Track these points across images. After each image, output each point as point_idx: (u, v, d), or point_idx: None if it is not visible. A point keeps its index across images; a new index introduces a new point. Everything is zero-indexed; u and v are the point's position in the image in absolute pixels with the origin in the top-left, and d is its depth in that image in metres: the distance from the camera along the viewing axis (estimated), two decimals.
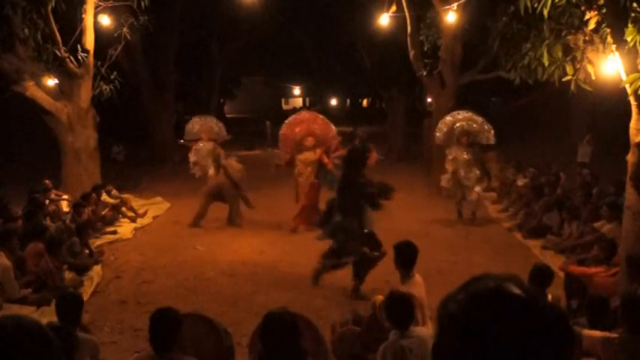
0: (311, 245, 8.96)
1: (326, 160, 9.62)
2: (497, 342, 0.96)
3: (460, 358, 1.00)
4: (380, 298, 4.60)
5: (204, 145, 11.36)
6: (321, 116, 10.21)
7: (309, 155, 9.65)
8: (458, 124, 10.13)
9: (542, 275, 4.57)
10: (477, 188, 9.93)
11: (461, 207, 10.30)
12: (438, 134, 10.45)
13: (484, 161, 10.27)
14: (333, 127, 9.99)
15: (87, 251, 8.13)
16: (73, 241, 7.90)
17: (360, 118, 33.69)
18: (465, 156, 9.86)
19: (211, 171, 10.96)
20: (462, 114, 10.37)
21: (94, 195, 10.06)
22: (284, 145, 9.89)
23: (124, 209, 10.56)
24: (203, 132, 11.56)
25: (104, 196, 10.54)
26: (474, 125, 10.11)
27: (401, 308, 3.76)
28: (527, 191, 10.64)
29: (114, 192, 11.17)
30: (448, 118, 10.43)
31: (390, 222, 10.39)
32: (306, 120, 9.99)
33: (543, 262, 6.42)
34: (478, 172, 9.92)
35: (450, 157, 10.03)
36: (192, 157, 11.55)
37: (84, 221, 8.70)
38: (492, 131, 10.08)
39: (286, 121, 10.03)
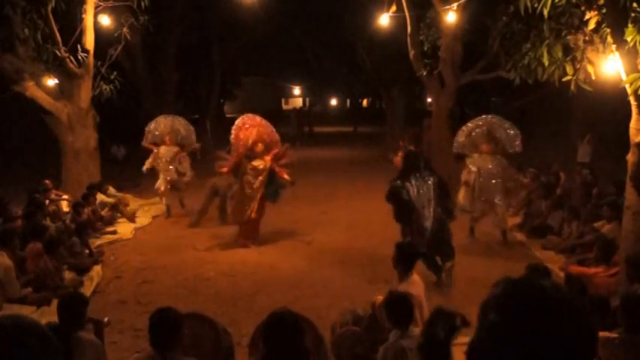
0: (311, 246, 8.98)
1: (277, 168, 8.79)
2: (540, 344, 0.97)
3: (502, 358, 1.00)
4: (380, 298, 4.60)
5: (165, 150, 10.59)
6: (264, 120, 9.18)
7: (259, 163, 8.72)
8: (477, 130, 8.96)
9: (540, 275, 4.57)
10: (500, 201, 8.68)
11: (475, 224, 9.12)
12: (456, 142, 9.20)
13: (511, 175, 8.93)
14: (275, 131, 9.10)
15: (87, 251, 8.13)
16: (73, 242, 7.90)
17: (360, 118, 33.68)
18: (490, 165, 8.68)
19: (171, 174, 10.41)
20: (484, 119, 9.08)
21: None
22: (236, 150, 8.83)
23: (122, 208, 10.55)
24: (167, 134, 10.71)
25: (102, 196, 10.51)
26: (497, 132, 8.84)
27: (400, 308, 3.76)
28: (528, 191, 10.64)
29: (110, 190, 11.14)
30: (469, 124, 9.16)
31: (390, 221, 10.40)
32: (256, 124, 8.97)
33: (539, 262, 6.43)
34: (502, 185, 8.70)
35: (471, 169, 8.78)
36: (147, 164, 10.70)
37: (84, 221, 8.70)
38: (519, 138, 8.79)
39: (236, 124, 8.91)
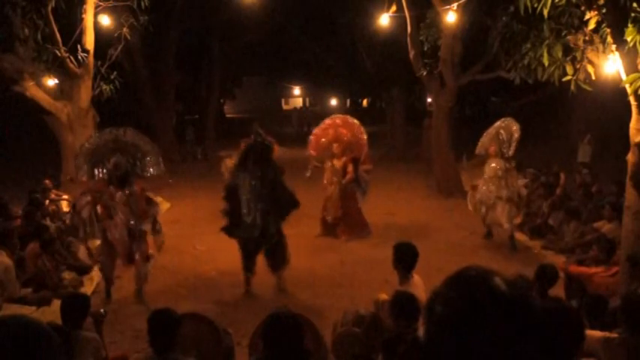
0: (310, 246, 8.98)
1: (349, 169, 9.10)
2: (485, 339, 0.98)
3: (451, 357, 1.01)
4: (383, 296, 4.59)
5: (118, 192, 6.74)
6: (355, 122, 9.57)
7: (336, 163, 9.23)
8: (490, 131, 8.87)
9: (545, 275, 4.60)
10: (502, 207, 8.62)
11: (491, 224, 9.02)
12: (479, 145, 9.06)
13: (514, 180, 8.84)
14: (364, 135, 9.39)
15: (86, 251, 8.12)
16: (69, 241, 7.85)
17: (360, 118, 33.67)
18: (497, 168, 8.62)
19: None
20: (502, 120, 8.87)
21: None
22: (312, 148, 9.41)
23: None
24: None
25: None
26: (502, 134, 8.70)
27: (408, 308, 3.75)
28: (528, 191, 10.63)
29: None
30: (492, 126, 8.97)
31: (390, 222, 10.41)
32: (335, 124, 9.47)
33: (549, 262, 6.43)
34: (508, 190, 8.62)
35: (485, 175, 8.81)
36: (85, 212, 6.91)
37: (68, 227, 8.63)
38: (514, 144, 8.56)
39: (321, 124, 9.62)
